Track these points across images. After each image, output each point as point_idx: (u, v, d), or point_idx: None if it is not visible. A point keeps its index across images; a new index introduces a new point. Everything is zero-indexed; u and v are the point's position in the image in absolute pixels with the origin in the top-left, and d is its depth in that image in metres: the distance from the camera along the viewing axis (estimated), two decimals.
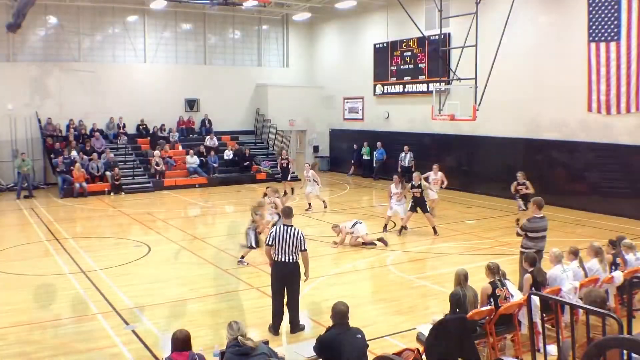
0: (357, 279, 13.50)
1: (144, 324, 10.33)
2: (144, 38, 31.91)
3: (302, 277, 9.89)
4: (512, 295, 8.96)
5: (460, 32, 23.04)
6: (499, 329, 8.69)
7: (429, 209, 18.00)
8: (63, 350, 9.15)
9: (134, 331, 9.94)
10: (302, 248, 9.63)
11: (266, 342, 6.90)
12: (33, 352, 9.06)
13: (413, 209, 17.67)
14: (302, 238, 9.64)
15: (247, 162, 31.05)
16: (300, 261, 9.75)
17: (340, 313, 7.09)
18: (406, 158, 27.72)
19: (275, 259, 9.71)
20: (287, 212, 10.14)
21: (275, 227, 10.04)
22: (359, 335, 6.99)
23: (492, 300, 8.79)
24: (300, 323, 9.95)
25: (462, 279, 8.89)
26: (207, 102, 33.30)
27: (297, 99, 34.96)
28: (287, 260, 9.60)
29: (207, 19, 33.58)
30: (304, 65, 37.02)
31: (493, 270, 9.07)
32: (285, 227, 9.70)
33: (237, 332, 6.49)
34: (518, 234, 11.87)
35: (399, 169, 26.78)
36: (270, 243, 9.74)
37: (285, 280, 9.72)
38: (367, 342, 7.24)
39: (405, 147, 27.77)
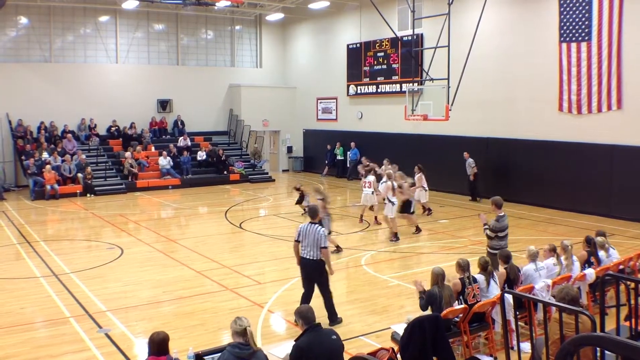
0: (332, 279, 13.47)
1: (117, 327, 10.23)
2: (115, 38, 31.66)
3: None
4: (486, 295, 9.01)
5: (432, 32, 23.16)
6: (473, 327, 8.74)
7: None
8: (35, 355, 9.03)
9: (107, 335, 9.84)
10: (322, 245, 10.01)
11: None
12: (4, 358, 8.93)
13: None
14: (322, 236, 10.01)
15: (225, 163, 30.94)
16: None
17: (306, 318, 6.90)
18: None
19: (301, 254, 10.21)
20: (313, 212, 10.49)
21: (302, 224, 10.38)
22: (334, 337, 6.90)
23: (461, 297, 8.84)
24: (339, 316, 10.41)
25: (440, 278, 8.85)
26: (179, 102, 33.13)
27: (270, 99, 34.98)
28: (309, 257, 10.09)
29: (179, 19, 33.41)
30: (277, 66, 36.99)
31: (463, 267, 9.11)
32: (310, 225, 10.13)
33: (245, 323, 6.32)
34: (489, 237, 11.77)
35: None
36: (297, 239, 10.18)
37: (309, 275, 10.26)
38: (343, 343, 7.20)
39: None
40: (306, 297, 10.20)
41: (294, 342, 6.77)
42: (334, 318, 10.28)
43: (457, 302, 8.79)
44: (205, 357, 6.76)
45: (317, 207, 10.71)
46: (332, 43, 33.04)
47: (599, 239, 11.42)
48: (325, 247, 10.06)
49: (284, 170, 35.87)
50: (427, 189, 20.77)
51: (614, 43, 19.66)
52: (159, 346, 6.39)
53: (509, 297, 7.81)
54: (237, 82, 34.81)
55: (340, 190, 28.51)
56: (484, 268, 9.38)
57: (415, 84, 23.31)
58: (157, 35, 33.13)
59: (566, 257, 10.50)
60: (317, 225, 10.16)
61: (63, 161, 26.77)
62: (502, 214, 11.65)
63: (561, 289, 7.06)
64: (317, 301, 9.90)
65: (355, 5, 30.45)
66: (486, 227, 11.75)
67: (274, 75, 36.82)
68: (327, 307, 10.28)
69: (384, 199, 17.52)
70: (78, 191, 26.11)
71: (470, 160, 23.85)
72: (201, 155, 30.94)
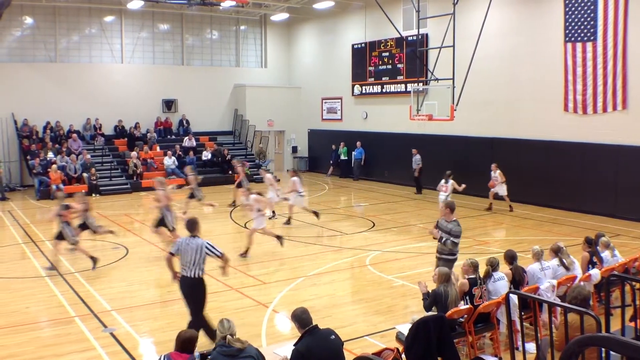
0: (336, 279, 13.50)
1: (122, 326, 10.25)
2: (121, 38, 31.70)
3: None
4: (491, 294, 9.01)
5: (437, 32, 23.15)
6: (478, 328, 8.73)
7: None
8: (40, 354, 9.05)
9: (112, 334, 9.87)
10: (219, 254, 9.16)
11: None
12: (9, 357, 8.96)
13: None
14: (210, 246, 9.08)
15: (230, 163, 30.94)
16: (204, 277, 9.23)
17: (303, 321, 6.82)
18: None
19: (181, 273, 9.16)
20: (191, 225, 9.33)
21: (179, 240, 9.35)
22: (333, 336, 6.86)
23: (467, 297, 8.82)
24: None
25: (446, 278, 8.82)
26: (184, 102, 33.17)
27: (275, 99, 34.99)
28: (187, 275, 9.06)
29: (184, 19, 33.44)
30: (282, 66, 36.99)
31: (475, 267, 9.10)
32: (190, 239, 9.10)
33: (226, 331, 6.40)
34: (455, 243, 10.90)
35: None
36: (173, 252, 9.17)
37: (186, 294, 9.24)
38: (343, 341, 7.14)
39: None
40: (204, 319, 9.16)
41: (293, 347, 6.76)
42: (212, 334, 8.62)
43: (462, 302, 8.79)
44: (209, 357, 6.77)
45: (196, 219, 9.45)
46: (337, 43, 33.03)
47: (604, 239, 11.39)
48: (222, 255, 9.18)
49: (288, 171, 35.83)
50: (303, 194, 19.66)
51: (619, 43, 19.61)
52: (182, 343, 6.44)
53: (514, 298, 7.80)
54: (242, 82, 34.83)
55: (344, 190, 28.50)
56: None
57: (420, 84, 23.32)
58: (162, 35, 33.16)
59: (564, 258, 10.45)
60: (197, 238, 9.12)
61: (68, 161, 26.83)
62: (455, 218, 11.14)
63: (574, 288, 7.06)
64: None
65: (360, 5, 30.43)
66: (445, 238, 10.83)
67: (278, 75, 36.83)
68: (205, 330, 9.06)
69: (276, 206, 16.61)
70: (83, 191, 26.11)
71: (418, 156, 25.60)
72: (206, 155, 30.97)
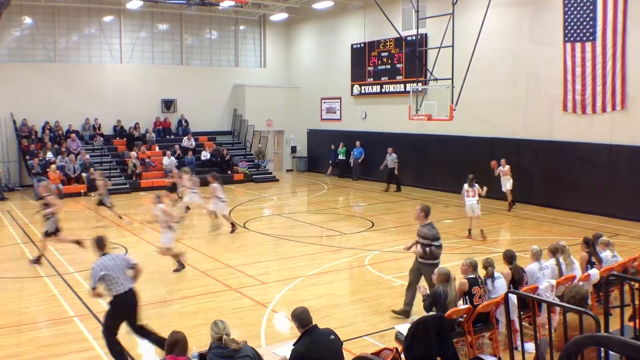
0: (336, 279, 13.49)
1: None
2: (120, 38, 31.68)
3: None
4: (491, 294, 9.01)
5: (437, 32, 23.17)
6: (477, 327, 8.73)
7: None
8: (39, 354, 9.05)
9: None
10: (133, 263, 8.83)
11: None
12: (9, 357, 8.95)
13: None
14: (128, 257, 8.98)
15: (229, 163, 30.97)
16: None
17: (303, 320, 6.80)
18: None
19: (116, 293, 8.52)
20: (100, 243, 8.85)
21: (97, 263, 8.60)
22: (332, 336, 6.85)
23: (467, 297, 8.82)
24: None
25: (445, 278, 8.82)
26: (184, 102, 33.15)
27: (274, 99, 34.97)
28: (125, 290, 8.57)
29: (183, 19, 33.43)
30: (282, 66, 36.98)
31: (473, 267, 9.09)
32: (106, 257, 8.66)
33: (221, 331, 6.36)
34: (440, 247, 10.55)
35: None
36: (96, 285, 8.51)
37: (134, 309, 8.76)
38: (343, 341, 7.13)
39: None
40: (118, 343, 8.61)
41: (293, 347, 6.75)
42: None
43: (461, 301, 8.79)
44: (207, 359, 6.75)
45: (102, 237, 8.98)
46: (336, 43, 33.01)
47: (604, 238, 11.39)
48: (136, 263, 8.87)
49: (287, 170, 35.86)
50: (225, 200, 18.58)
51: (618, 43, 19.62)
52: (175, 347, 6.21)
53: (513, 297, 7.80)
54: (241, 82, 34.81)
55: (344, 190, 28.50)
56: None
57: (419, 84, 23.34)
58: (161, 35, 33.15)
59: (565, 258, 10.46)
60: (111, 253, 8.81)
61: (67, 161, 26.82)
62: (429, 221, 10.78)
63: (571, 287, 7.05)
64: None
65: (359, 5, 30.43)
66: (431, 245, 10.42)
67: (278, 75, 36.81)
68: (154, 339, 8.82)
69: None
70: (82, 191, 26.14)
71: (394, 155, 26.41)
72: (205, 155, 30.94)
